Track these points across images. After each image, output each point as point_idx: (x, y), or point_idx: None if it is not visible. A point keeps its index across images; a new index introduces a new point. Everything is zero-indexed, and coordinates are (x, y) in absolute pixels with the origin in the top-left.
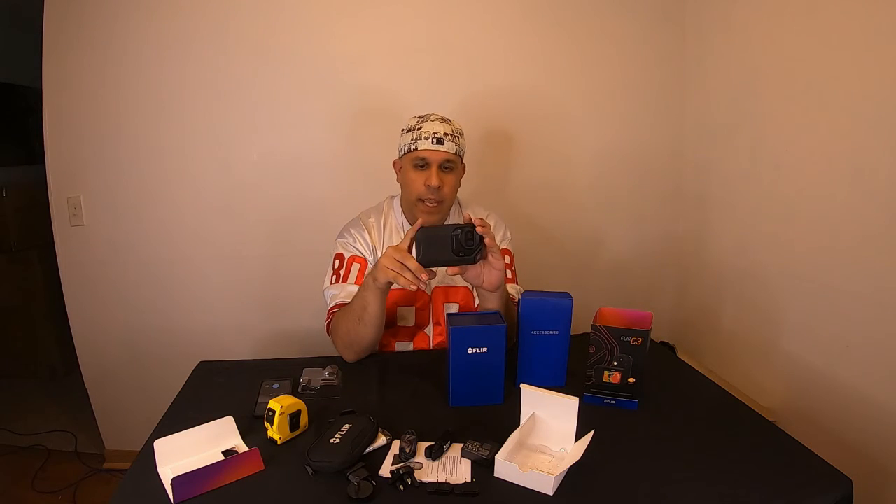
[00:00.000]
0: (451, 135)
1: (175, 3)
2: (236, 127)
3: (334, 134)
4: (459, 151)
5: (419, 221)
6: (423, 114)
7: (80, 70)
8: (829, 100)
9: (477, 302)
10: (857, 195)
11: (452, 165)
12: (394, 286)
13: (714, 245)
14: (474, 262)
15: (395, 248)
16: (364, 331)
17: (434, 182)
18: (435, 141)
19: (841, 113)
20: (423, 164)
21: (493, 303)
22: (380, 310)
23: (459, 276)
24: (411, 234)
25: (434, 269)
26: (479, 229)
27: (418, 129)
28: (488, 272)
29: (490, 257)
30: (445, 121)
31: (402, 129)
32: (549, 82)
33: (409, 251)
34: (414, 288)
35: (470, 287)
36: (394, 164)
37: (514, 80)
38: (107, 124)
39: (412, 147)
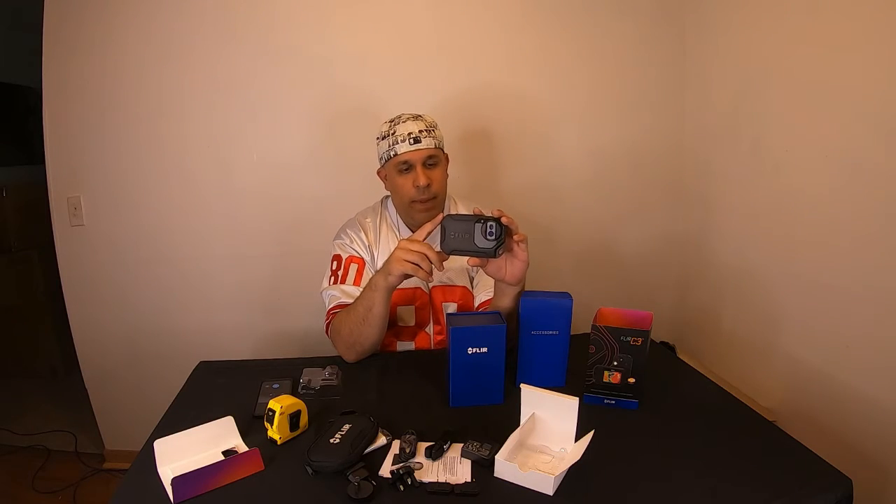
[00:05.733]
0: (427, 130)
1: (175, 4)
2: (236, 127)
3: (333, 134)
4: (439, 144)
5: (439, 216)
6: (393, 117)
7: (80, 70)
8: (829, 99)
9: (482, 298)
10: (857, 195)
11: (436, 160)
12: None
13: (714, 245)
14: (495, 255)
15: (411, 239)
16: (368, 331)
17: (422, 181)
18: (412, 141)
19: (841, 113)
20: (406, 167)
21: (509, 298)
22: (385, 311)
23: (454, 275)
24: (429, 227)
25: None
26: (504, 220)
27: (393, 134)
28: (511, 264)
29: (515, 248)
30: (416, 118)
31: (377, 138)
32: (548, 82)
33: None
34: (431, 279)
35: (468, 286)
36: (378, 173)
37: (513, 80)
38: (107, 124)
39: (392, 153)
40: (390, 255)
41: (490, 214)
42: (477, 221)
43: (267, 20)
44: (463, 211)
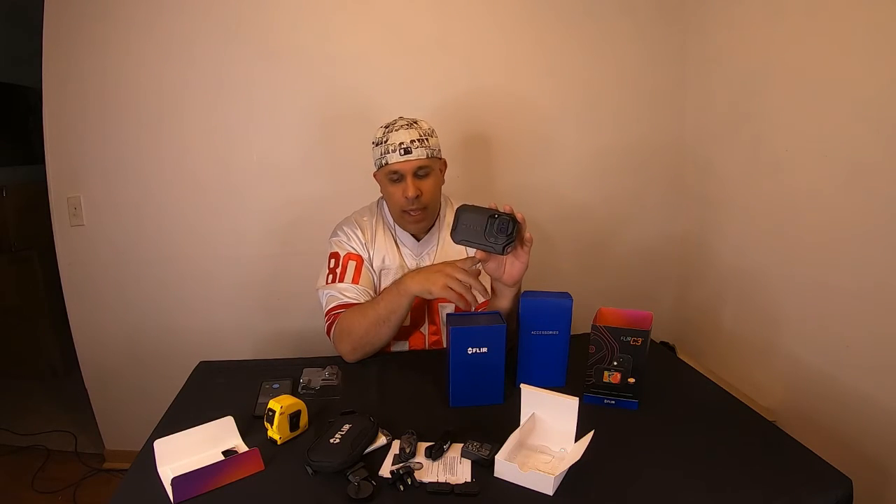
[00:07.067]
0: (419, 140)
1: (175, 4)
2: (236, 127)
3: (333, 135)
4: (431, 154)
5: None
6: (389, 122)
7: (80, 70)
8: (829, 100)
9: (480, 300)
10: (857, 195)
11: (427, 171)
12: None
13: (714, 245)
14: (502, 253)
15: (460, 268)
16: (385, 332)
17: (411, 193)
18: (403, 152)
19: (841, 113)
20: (397, 176)
21: (506, 299)
22: (406, 314)
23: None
24: (480, 256)
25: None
26: (518, 216)
27: (385, 143)
28: (510, 265)
29: (518, 249)
30: (411, 126)
31: (372, 143)
32: (548, 82)
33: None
34: (471, 308)
35: None
36: (374, 176)
37: (513, 80)
38: (107, 124)
39: (383, 161)
40: (434, 272)
41: (503, 210)
42: (491, 216)
43: (267, 21)
44: None
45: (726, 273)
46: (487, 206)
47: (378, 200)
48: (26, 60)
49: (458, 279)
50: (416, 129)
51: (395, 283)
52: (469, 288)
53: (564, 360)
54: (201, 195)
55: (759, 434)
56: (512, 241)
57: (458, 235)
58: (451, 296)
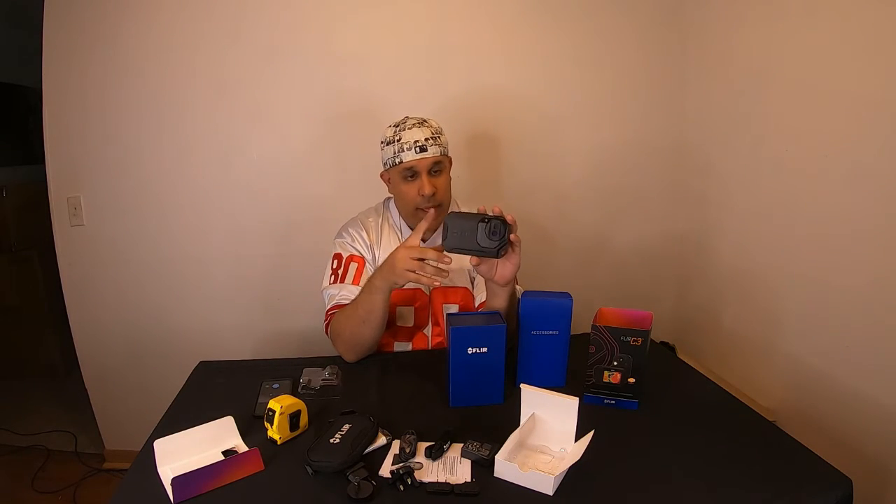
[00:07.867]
0: (433, 137)
1: (175, 4)
2: (236, 126)
3: (335, 134)
4: (444, 151)
5: (431, 211)
6: (398, 121)
7: (80, 70)
8: (828, 100)
9: (482, 298)
10: (857, 195)
11: (441, 168)
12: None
13: (714, 245)
14: (496, 256)
15: (408, 247)
16: (369, 332)
17: (427, 190)
18: (418, 150)
19: (841, 113)
20: (411, 174)
21: (500, 299)
22: (385, 311)
23: (455, 277)
24: (423, 225)
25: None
26: (508, 218)
27: (399, 141)
28: (502, 265)
29: (509, 250)
30: (422, 124)
31: (381, 142)
32: (548, 82)
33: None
34: (437, 283)
35: (469, 287)
36: (381, 175)
37: (513, 80)
38: (107, 124)
39: (397, 160)
40: (390, 261)
41: (492, 213)
42: (481, 220)
43: (268, 20)
44: None
45: (726, 273)
46: (476, 211)
47: (384, 201)
48: (26, 60)
49: (409, 258)
50: (427, 127)
51: (367, 281)
52: (422, 264)
53: (564, 360)
54: (202, 195)
55: (759, 434)
56: (505, 244)
57: (449, 244)
58: (412, 277)
